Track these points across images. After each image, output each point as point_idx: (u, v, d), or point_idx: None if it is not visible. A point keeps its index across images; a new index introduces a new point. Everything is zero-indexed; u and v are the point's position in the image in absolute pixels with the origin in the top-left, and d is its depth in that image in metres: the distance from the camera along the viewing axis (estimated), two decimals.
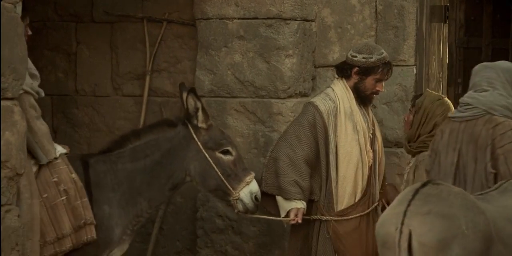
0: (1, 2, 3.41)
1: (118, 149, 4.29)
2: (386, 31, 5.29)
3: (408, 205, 3.47)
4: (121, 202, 4.22)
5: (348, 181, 4.47)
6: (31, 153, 3.95)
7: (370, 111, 4.63)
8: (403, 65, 5.30)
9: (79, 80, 5.72)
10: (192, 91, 4.32)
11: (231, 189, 4.30)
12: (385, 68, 4.51)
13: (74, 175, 4.06)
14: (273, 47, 5.17)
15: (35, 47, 4.61)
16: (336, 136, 4.47)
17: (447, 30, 6.01)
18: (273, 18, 5.17)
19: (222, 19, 5.23)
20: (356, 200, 4.49)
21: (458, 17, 6.02)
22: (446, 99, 4.57)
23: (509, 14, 6.49)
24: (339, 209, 4.48)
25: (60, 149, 4.08)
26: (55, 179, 4.01)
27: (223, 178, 4.29)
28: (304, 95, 5.27)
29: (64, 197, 4.01)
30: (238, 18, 5.21)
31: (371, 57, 4.50)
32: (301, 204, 4.46)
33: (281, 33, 5.16)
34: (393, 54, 5.27)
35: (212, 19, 5.25)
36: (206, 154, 4.28)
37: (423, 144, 4.43)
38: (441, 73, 5.95)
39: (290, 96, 5.21)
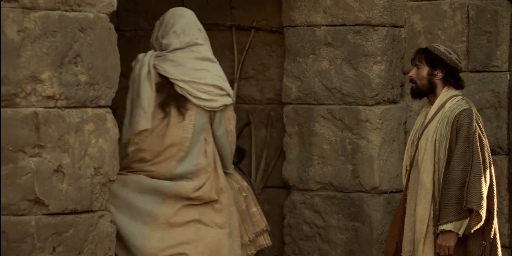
0: (97, 13, 3.50)
1: None
2: (479, 36, 5.19)
3: None
4: None
5: None
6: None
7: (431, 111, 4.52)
8: (496, 71, 5.19)
9: None
10: None
11: None
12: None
13: (245, 183, 4.26)
14: (361, 53, 5.13)
15: (127, 55, 4.71)
16: None
17: None
18: (361, 24, 5.12)
19: (310, 26, 5.23)
20: None
21: None
22: None
23: None
24: None
25: None
26: (238, 186, 4.20)
27: None
28: (393, 102, 5.21)
29: (245, 204, 4.19)
30: (326, 25, 5.19)
31: None
32: None
33: (369, 40, 5.12)
34: (486, 60, 5.16)
35: (299, 26, 5.25)
36: None
37: None
38: None
39: (378, 103, 5.16)
